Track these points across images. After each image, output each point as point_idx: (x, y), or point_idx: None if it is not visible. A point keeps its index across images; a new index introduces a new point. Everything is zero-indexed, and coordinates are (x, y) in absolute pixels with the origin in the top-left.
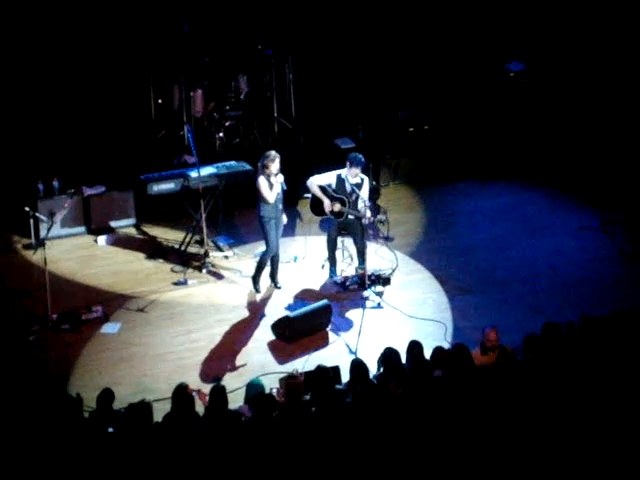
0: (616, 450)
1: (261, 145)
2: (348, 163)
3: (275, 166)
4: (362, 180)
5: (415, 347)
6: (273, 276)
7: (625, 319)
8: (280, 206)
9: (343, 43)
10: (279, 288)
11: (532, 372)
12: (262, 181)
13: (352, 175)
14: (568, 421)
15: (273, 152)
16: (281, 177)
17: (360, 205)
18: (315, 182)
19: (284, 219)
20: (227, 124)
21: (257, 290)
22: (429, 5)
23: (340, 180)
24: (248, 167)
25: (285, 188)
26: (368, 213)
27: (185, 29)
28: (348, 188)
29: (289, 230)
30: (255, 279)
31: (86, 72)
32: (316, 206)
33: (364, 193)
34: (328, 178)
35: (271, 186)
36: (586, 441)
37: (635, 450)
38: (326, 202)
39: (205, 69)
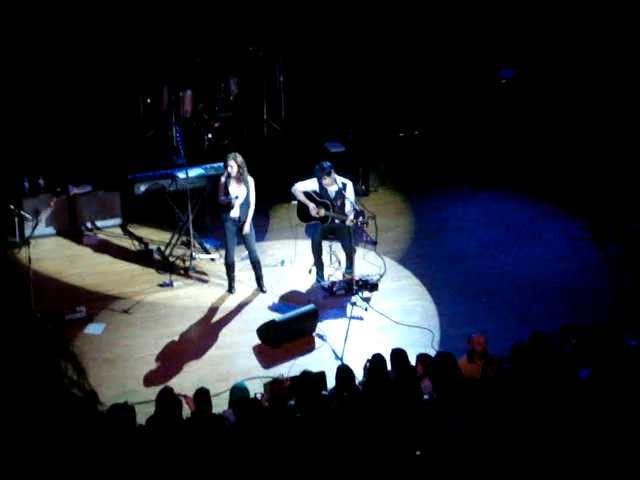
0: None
1: (249, 147)
2: (318, 176)
3: (230, 168)
4: (344, 185)
5: (399, 354)
6: (257, 280)
7: (607, 330)
8: (238, 212)
9: (334, 46)
10: (264, 292)
11: (519, 381)
12: (220, 180)
13: (327, 184)
14: (556, 431)
15: (231, 154)
16: (251, 180)
17: (348, 208)
18: (299, 188)
19: (245, 228)
20: (216, 125)
21: (229, 291)
22: (422, 10)
23: (322, 186)
24: None
25: (252, 192)
26: (351, 215)
27: (175, 28)
28: (332, 193)
29: (278, 233)
30: (228, 281)
31: (75, 70)
32: (302, 212)
33: (350, 195)
34: (311, 184)
35: (226, 187)
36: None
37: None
38: (311, 206)
39: (195, 69)
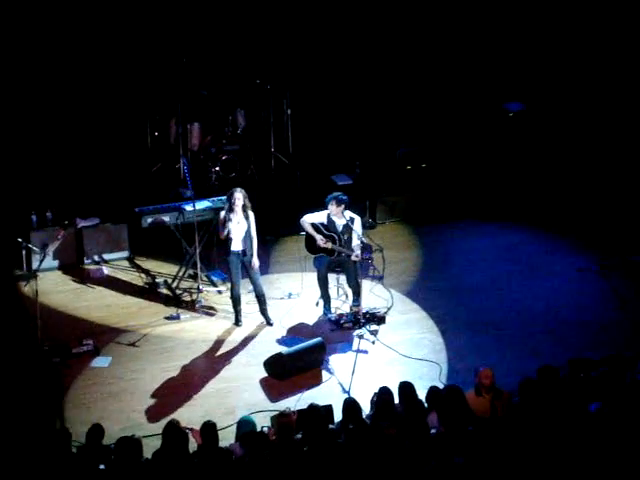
0: None
1: (257, 180)
2: (329, 205)
3: (237, 200)
4: (352, 219)
5: (407, 388)
6: (263, 313)
7: (616, 363)
8: (241, 246)
9: (342, 79)
10: (271, 325)
11: (528, 415)
12: (220, 215)
13: (334, 214)
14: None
15: (237, 188)
16: (251, 214)
17: (355, 242)
18: (307, 220)
19: (254, 261)
20: (224, 158)
21: (236, 324)
22: (429, 44)
23: (330, 219)
24: None
25: (253, 225)
26: (357, 250)
27: (183, 61)
28: (339, 227)
29: (285, 266)
30: (235, 314)
31: (83, 103)
32: (310, 244)
33: (357, 229)
34: (320, 217)
35: (225, 222)
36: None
37: None
38: (318, 238)
39: (202, 102)
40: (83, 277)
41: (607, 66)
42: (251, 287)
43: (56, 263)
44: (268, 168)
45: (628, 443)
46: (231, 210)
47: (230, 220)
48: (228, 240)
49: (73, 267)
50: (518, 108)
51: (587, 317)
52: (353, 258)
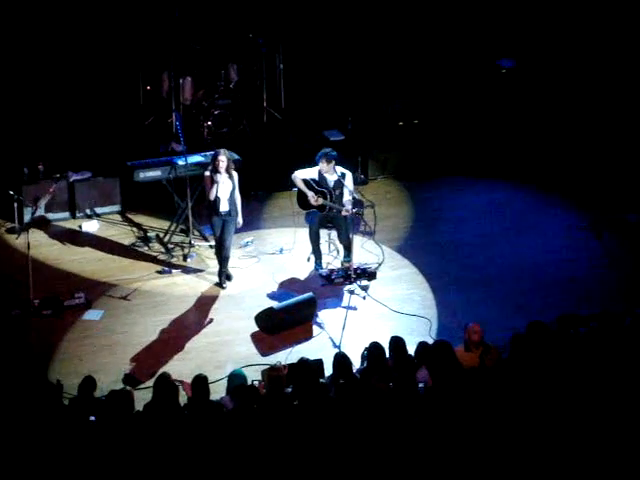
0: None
1: (249, 135)
2: (319, 162)
3: (221, 162)
4: (343, 174)
5: (397, 342)
6: (220, 275)
7: (606, 320)
8: (227, 206)
9: (335, 35)
10: (224, 288)
11: (518, 371)
12: (206, 176)
13: (325, 171)
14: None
15: (221, 150)
16: (235, 175)
17: (346, 198)
18: (299, 176)
19: (239, 220)
20: (216, 113)
21: (220, 285)
22: (422, 0)
23: (322, 175)
24: (236, 156)
25: (236, 186)
26: (348, 206)
27: (176, 14)
28: (331, 183)
29: (277, 221)
30: (219, 276)
31: (74, 57)
32: (301, 199)
33: (349, 185)
34: (311, 173)
35: (213, 182)
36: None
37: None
38: (309, 194)
39: (195, 56)
40: (75, 230)
41: (599, 19)
42: (242, 241)
43: (48, 216)
44: (260, 123)
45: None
46: (215, 171)
47: (217, 181)
48: (216, 200)
49: (65, 220)
50: (510, 64)
51: (577, 274)
52: (343, 213)
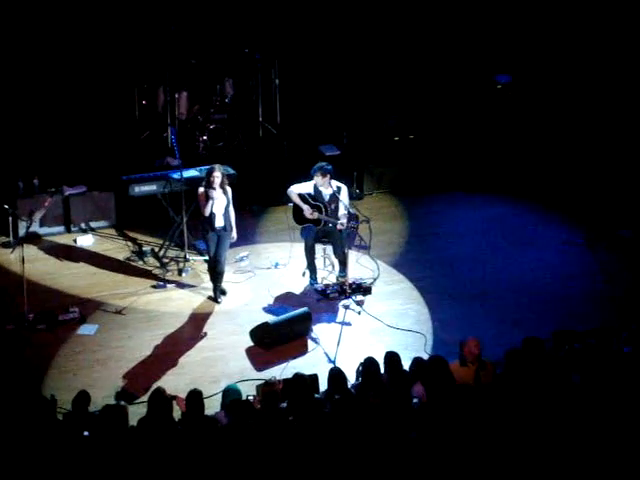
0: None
1: (245, 149)
2: (315, 176)
3: (216, 178)
4: (339, 188)
5: (392, 358)
6: (215, 291)
7: (601, 336)
8: (222, 222)
9: (331, 49)
10: (219, 303)
11: (513, 386)
12: (200, 192)
13: (321, 184)
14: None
15: (216, 165)
16: (229, 191)
17: (342, 212)
18: (295, 191)
19: (234, 235)
20: (211, 127)
21: (215, 299)
22: (419, 15)
23: (317, 189)
24: (232, 171)
25: (230, 201)
26: (343, 219)
27: (172, 29)
28: (326, 197)
29: (273, 236)
30: (214, 291)
31: (71, 70)
32: (297, 214)
33: (344, 199)
34: (307, 187)
35: (208, 198)
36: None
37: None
38: (305, 208)
39: (191, 71)
40: (69, 245)
41: (594, 37)
42: (238, 256)
43: (43, 230)
44: (256, 138)
45: (611, 414)
46: (210, 187)
47: (212, 197)
48: (211, 216)
49: (60, 235)
50: (507, 80)
51: (572, 290)
52: (338, 227)
